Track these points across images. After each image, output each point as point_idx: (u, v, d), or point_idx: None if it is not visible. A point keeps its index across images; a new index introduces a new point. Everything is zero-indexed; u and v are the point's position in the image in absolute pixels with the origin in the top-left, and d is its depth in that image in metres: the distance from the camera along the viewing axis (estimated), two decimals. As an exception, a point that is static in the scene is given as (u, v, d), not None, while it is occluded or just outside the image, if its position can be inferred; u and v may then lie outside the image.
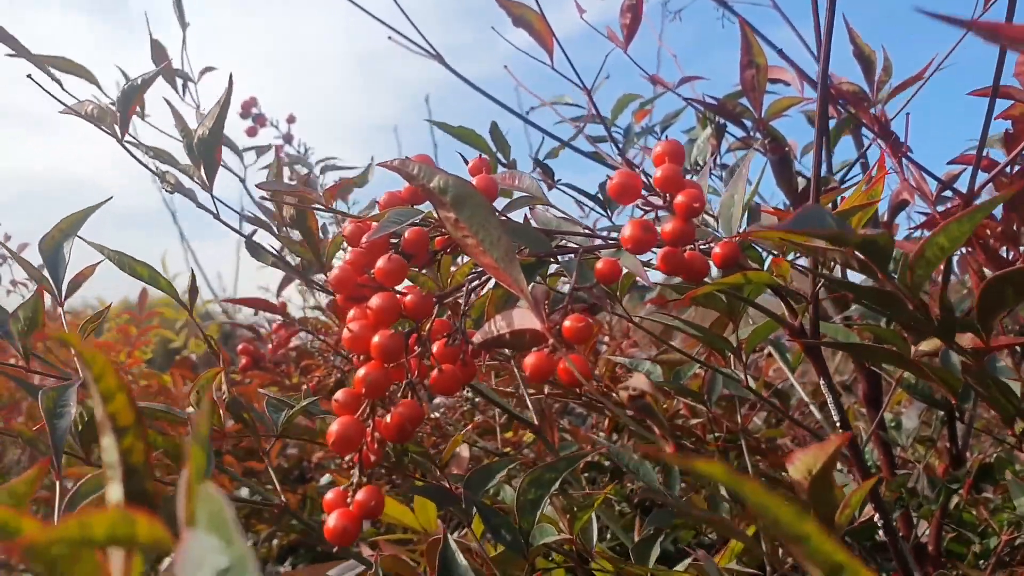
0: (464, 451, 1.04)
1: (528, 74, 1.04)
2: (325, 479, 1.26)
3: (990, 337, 0.36)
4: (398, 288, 0.44)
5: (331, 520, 0.35)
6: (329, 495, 0.37)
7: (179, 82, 0.95)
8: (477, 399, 1.05)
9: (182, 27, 0.95)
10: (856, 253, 0.34)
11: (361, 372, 0.37)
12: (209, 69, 1.05)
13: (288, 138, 1.21)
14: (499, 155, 0.97)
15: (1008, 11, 0.57)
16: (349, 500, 0.37)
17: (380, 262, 0.41)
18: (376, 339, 0.38)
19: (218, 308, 2.34)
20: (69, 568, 0.19)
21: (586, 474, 1.14)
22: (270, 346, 1.11)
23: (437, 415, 1.19)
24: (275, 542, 1.25)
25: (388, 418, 0.38)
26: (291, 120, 1.22)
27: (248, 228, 0.85)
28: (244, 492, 1.22)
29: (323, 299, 1.30)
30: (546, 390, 0.81)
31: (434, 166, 0.43)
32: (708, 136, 0.97)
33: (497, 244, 0.41)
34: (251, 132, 1.18)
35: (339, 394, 0.38)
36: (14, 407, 1.15)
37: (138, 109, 0.88)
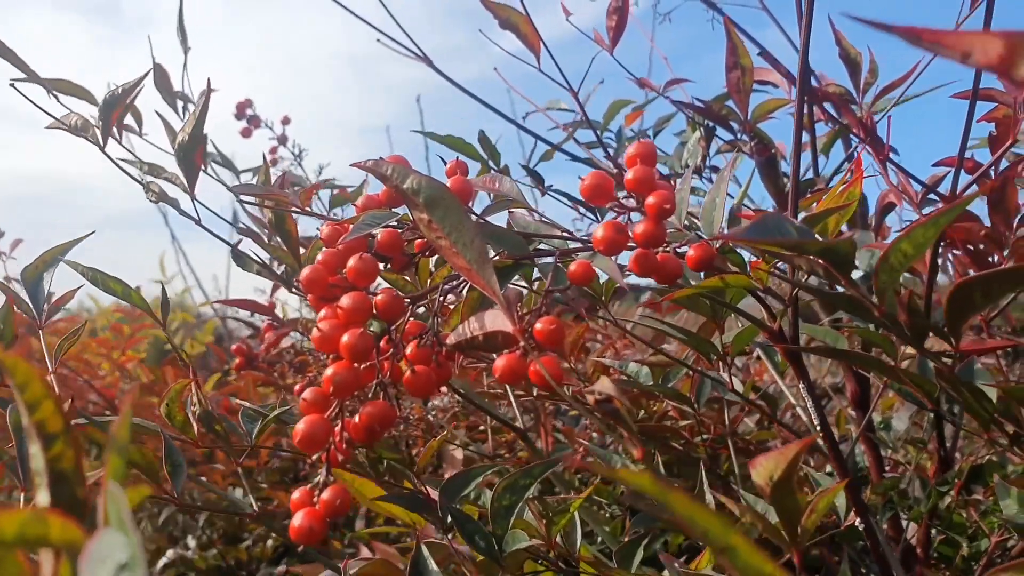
0: (459, 454, 1.04)
1: (520, 77, 1.04)
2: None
3: (959, 341, 0.36)
4: (372, 289, 0.44)
5: (297, 519, 0.36)
6: (296, 495, 0.37)
7: (180, 104, 0.95)
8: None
9: (184, 51, 0.96)
10: (819, 262, 0.34)
11: (329, 371, 0.37)
12: (212, 90, 1.05)
13: (283, 139, 1.21)
14: (490, 162, 0.97)
15: (985, 17, 0.57)
16: (315, 499, 0.37)
17: (351, 262, 0.41)
18: (345, 338, 0.38)
19: (211, 311, 2.34)
20: (-9, 571, 0.20)
21: (580, 475, 1.14)
22: (263, 347, 1.11)
23: (430, 417, 1.19)
24: (269, 543, 1.25)
25: (358, 418, 0.38)
26: (286, 122, 1.22)
27: (235, 238, 0.85)
28: (237, 493, 1.22)
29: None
30: (535, 392, 0.81)
31: (409, 167, 0.43)
32: (698, 139, 0.97)
33: (470, 246, 0.41)
34: (246, 133, 1.18)
35: (307, 393, 0.38)
36: None
37: (135, 125, 0.88)
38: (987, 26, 0.60)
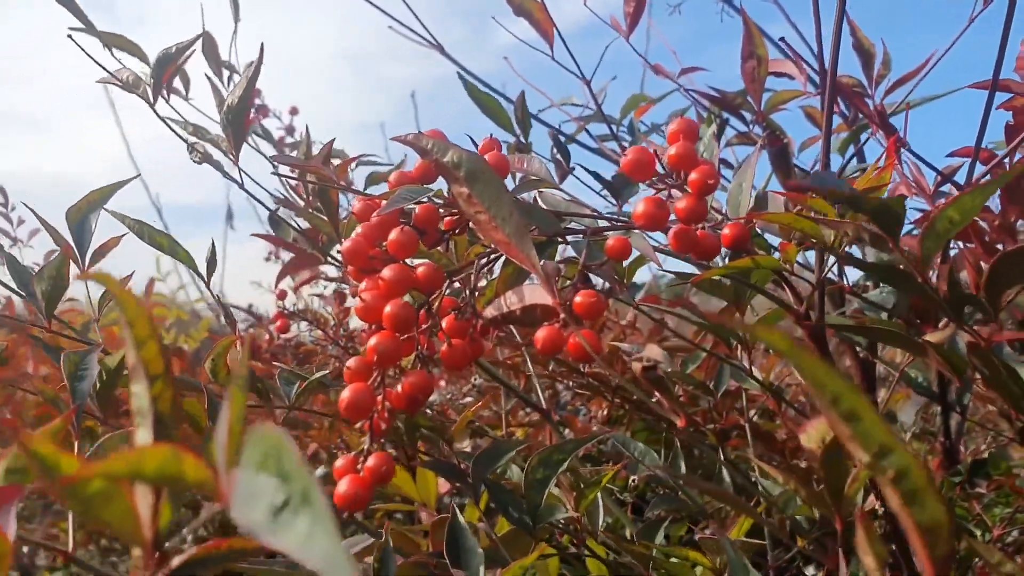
0: (467, 448, 1.04)
1: (523, 71, 1.05)
2: (319, 471, 1.26)
3: (999, 312, 0.36)
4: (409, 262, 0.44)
5: (341, 486, 0.35)
6: (339, 462, 0.37)
7: (226, 74, 0.96)
8: (481, 381, 1.06)
9: (235, 20, 0.97)
10: (866, 226, 0.34)
11: (373, 341, 0.38)
12: (260, 63, 1.07)
13: (290, 129, 1.21)
14: (519, 134, 0.97)
15: (1008, 10, 0.58)
16: (359, 467, 0.37)
17: (393, 234, 0.41)
18: (388, 308, 0.38)
19: (205, 306, 2.33)
20: (102, 507, 0.19)
21: (587, 465, 1.14)
22: (267, 337, 1.10)
23: (428, 412, 1.18)
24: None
25: (399, 388, 0.38)
26: (293, 112, 1.22)
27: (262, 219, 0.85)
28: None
29: (324, 288, 1.30)
30: (551, 367, 0.81)
31: (447, 141, 0.44)
32: (713, 132, 0.97)
33: (509, 220, 0.41)
34: (253, 122, 1.18)
35: (351, 362, 0.38)
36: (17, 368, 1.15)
37: (182, 89, 0.90)
38: (1008, 23, 0.61)
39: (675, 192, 0.43)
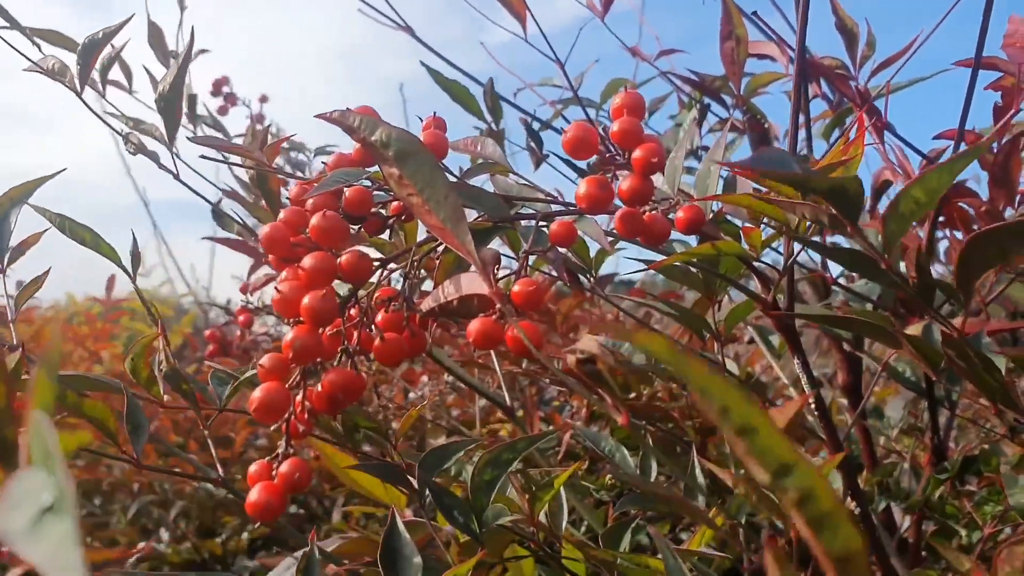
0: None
1: (517, 71, 1.03)
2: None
3: (970, 299, 0.33)
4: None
5: (253, 494, 0.32)
6: (253, 467, 0.34)
7: (173, 64, 0.93)
8: (459, 383, 1.03)
9: (181, 8, 0.95)
10: (825, 209, 0.31)
11: (289, 335, 0.34)
12: (202, 51, 1.04)
13: (259, 118, 1.17)
14: (490, 122, 0.94)
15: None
16: (273, 472, 0.34)
17: (314, 219, 0.38)
18: (306, 300, 0.35)
19: (191, 300, 2.31)
20: None
21: (564, 464, 1.11)
22: (238, 333, 1.08)
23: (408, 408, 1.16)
24: (244, 536, 1.21)
25: (319, 387, 0.35)
26: (263, 100, 1.19)
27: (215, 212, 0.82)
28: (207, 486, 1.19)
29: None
30: (524, 365, 0.78)
31: (379, 118, 0.40)
32: (693, 119, 0.94)
33: (444, 203, 0.38)
34: (222, 111, 1.14)
35: (265, 359, 0.35)
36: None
37: (125, 82, 0.87)
38: (987, 10, 0.57)
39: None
